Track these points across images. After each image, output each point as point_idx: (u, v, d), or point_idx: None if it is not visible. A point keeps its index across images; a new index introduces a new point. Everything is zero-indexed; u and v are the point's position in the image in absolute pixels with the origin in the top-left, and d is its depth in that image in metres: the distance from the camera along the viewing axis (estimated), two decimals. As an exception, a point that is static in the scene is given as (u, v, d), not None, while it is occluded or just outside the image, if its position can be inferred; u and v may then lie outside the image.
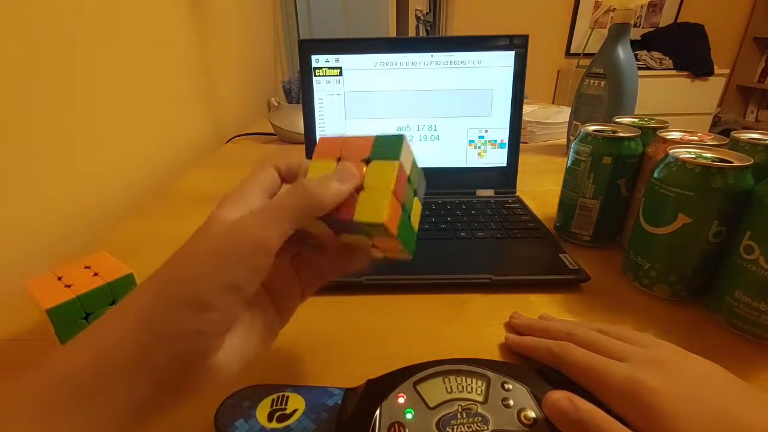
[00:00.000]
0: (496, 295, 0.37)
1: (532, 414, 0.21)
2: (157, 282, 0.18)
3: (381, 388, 0.23)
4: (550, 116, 0.92)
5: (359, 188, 0.21)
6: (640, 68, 1.16)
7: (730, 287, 0.31)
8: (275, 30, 1.50)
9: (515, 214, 0.49)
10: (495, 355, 0.30)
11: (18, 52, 0.43)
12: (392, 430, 0.21)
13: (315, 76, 0.54)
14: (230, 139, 0.93)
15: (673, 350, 0.24)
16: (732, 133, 0.38)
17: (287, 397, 0.24)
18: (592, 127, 0.42)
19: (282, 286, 0.23)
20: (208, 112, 0.92)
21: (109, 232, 0.50)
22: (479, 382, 0.23)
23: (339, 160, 0.22)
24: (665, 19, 2.52)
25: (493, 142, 0.55)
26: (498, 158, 0.56)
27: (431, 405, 0.22)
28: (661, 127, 0.43)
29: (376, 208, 0.20)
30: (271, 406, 0.23)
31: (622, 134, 0.40)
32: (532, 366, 0.27)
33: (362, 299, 0.36)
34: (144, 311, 0.17)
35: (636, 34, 2.43)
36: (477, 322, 0.34)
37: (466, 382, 0.23)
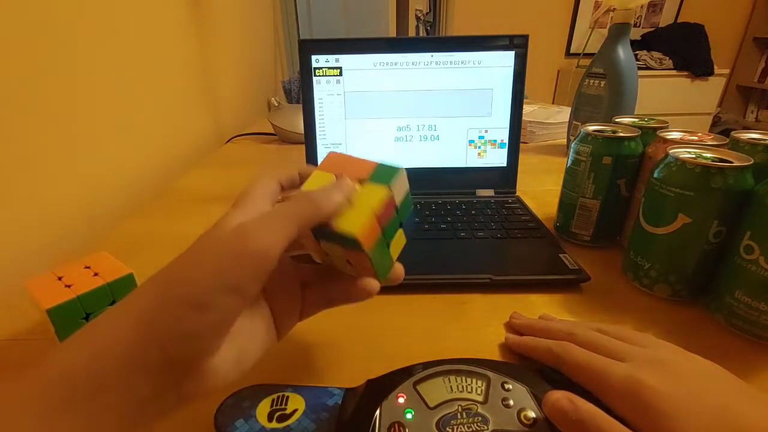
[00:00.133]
0: (496, 295, 0.37)
1: (532, 414, 0.21)
2: (157, 283, 0.18)
3: (381, 388, 0.23)
4: (550, 116, 0.92)
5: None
6: (640, 68, 1.16)
7: (730, 287, 0.31)
8: (275, 30, 1.50)
9: (515, 214, 0.49)
10: (495, 355, 0.30)
11: (18, 52, 0.43)
12: (392, 430, 0.21)
13: (315, 76, 0.54)
14: (230, 139, 0.93)
15: (673, 350, 0.24)
16: (732, 133, 0.38)
17: (287, 397, 0.24)
18: (592, 127, 0.42)
19: (284, 302, 0.24)
20: (208, 112, 0.91)
21: (109, 232, 0.50)
22: (479, 382, 0.23)
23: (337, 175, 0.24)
24: (665, 19, 2.52)
25: (493, 142, 0.55)
26: (498, 158, 0.56)
27: (431, 405, 0.22)
28: (661, 127, 0.43)
29: (354, 222, 0.21)
30: (271, 406, 0.23)
31: (622, 134, 0.40)
32: (532, 366, 0.27)
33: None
34: (144, 311, 0.17)
35: (636, 34, 2.43)
36: (477, 322, 0.34)
37: (466, 382, 0.23)
